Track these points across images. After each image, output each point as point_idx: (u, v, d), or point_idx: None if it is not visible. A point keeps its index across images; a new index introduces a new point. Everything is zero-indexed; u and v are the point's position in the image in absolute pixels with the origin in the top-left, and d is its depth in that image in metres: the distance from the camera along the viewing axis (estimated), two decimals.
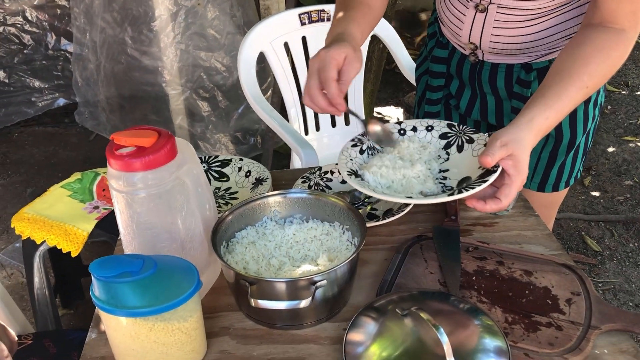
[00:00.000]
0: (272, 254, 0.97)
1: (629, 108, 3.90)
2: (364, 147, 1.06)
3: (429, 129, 1.09)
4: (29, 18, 2.91)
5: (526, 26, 1.13)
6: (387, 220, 1.10)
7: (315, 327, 0.91)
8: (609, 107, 3.92)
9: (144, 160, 0.80)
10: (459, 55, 1.28)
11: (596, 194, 3.00)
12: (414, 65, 1.91)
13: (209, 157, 1.31)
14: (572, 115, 1.22)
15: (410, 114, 2.99)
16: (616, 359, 0.83)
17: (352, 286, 0.96)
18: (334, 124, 2.11)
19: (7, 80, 2.95)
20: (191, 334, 0.82)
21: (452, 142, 1.06)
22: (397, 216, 1.10)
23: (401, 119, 3.55)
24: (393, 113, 3.79)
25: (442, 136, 1.07)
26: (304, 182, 1.25)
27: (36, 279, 1.67)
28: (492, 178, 0.89)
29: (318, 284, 0.84)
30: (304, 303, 0.82)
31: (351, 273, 0.92)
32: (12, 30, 2.92)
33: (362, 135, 1.07)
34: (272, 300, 0.84)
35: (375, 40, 2.23)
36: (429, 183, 0.98)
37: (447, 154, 1.05)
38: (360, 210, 1.14)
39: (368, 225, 1.07)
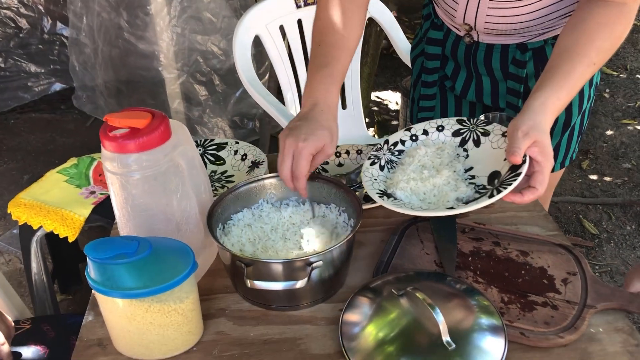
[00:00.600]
0: (269, 236, 0.97)
1: (627, 91, 3.89)
2: (382, 163, 1.03)
3: (440, 129, 1.06)
4: (25, 1, 2.88)
5: (521, 5, 1.12)
6: None
7: (311, 308, 0.91)
8: (607, 90, 3.91)
9: (137, 141, 0.79)
10: (454, 37, 1.27)
11: (594, 177, 3.01)
12: None
13: (205, 140, 1.30)
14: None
15: (407, 98, 2.98)
16: (611, 337, 0.83)
17: (348, 267, 0.96)
18: None
19: (2, 65, 2.93)
20: (187, 315, 0.82)
21: (467, 138, 1.03)
22: None
23: (399, 103, 3.54)
24: (391, 97, 3.77)
25: (455, 134, 1.04)
26: None
27: (34, 265, 1.66)
28: (525, 169, 0.87)
29: (314, 264, 0.84)
30: (300, 284, 0.82)
31: (347, 254, 0.92)
32: (8, 13, 2.89)
33: (377, 150, 1.05)
34: (268, 281, 0.84)
35: (372, 23, 2.22)
36: (461, 187, 0.95)
37: (465, 150, 1.02)
38: (357, 193, 1.14)
39: (364, 207, 1.07)
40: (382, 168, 1.02)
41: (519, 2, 1.11)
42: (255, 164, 1.22)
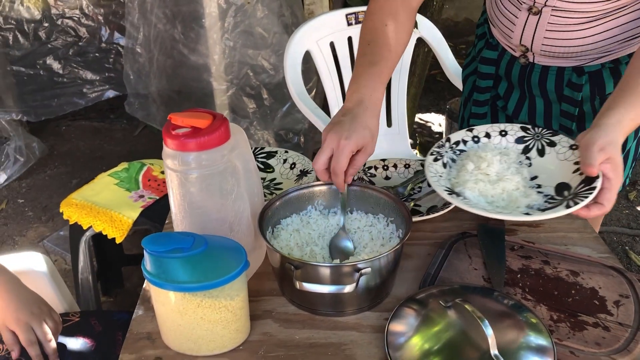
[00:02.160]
0: (316, 242, 0.98)
1: None
2: (445, 160, 1.01)
3: (503, 134, 1.04)
4: (86, 12, 3.01)
5: (581, 29, 1.11)
6: (432, 215, 1.10)
7: (357, 315, 0.91)
8: None
9: (198, 140, 0.82)
10: (509, 57, 1.27)
11: None
12: (459, 69, 1.90)
13: (256, 148, 1.33)
14: None
15: (453, 120, 2.97)
16: None
17: (395, 277, 0.96)
18: None
19: (61, 72, 3.05)
20: (237, 313, 0.83)
21: (530, 147, 1.02)
22: (441, 212, 1.10)
23: (442, 125, 3.52)
24: (434, 119, 3.77)
25: (519, 140, 1.03)
26: None
27: (81, 264, 1.71)
28: (599, 183, 0.86)
29: (362, 271, 0.84)
30: (348, 288, 0.82)
31: (395, 263, 0.92)
32: (70, 23, 3.02)
33: (439, 147, 1.03)
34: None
35: (420, 43, 2.23)
36: (532, 195, 0.93)
37: (528, 159, 1.01)
38: None
39: (412, 220, 1.08)
40: (444, 165, 1.00)
41: (578, 25, 1.11)
42: (303, 173, 1.23)
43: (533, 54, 1.20)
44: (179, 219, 0.89)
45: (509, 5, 1.19)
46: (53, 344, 1.04)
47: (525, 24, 1.16)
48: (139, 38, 2.50)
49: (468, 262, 1.01)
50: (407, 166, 1.29)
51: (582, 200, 0.84)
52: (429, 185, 1.22)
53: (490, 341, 0.76)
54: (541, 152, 1.00)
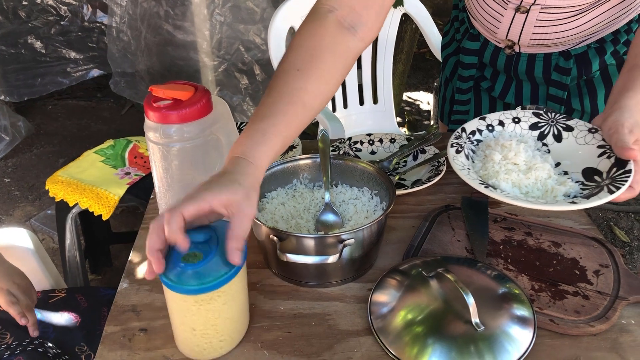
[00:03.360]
0: (301, 215, 0.98)
1: None
2: (466, 152, 0.96)
3: (516, 120, 1.00)
4: None
5: (570, 21, 1.10)
6: (416, 189, 1.11)
7: (341, 286, 0.92)
8: None
9: (180, 112, 0.81)
10: (493, 47, 1.24)
11: None
12: None
13: (241, 123, 1.32)
14: None
15: (439, 98, 2.98)
16: None
17: (378, 249, 0.97)
18: (361, 102, 2.11)
19: (43, 51, 3.02)
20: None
21: (546, 132, 0.99)
22: (425, 185, 1.11)
23: (431, 103, 3.52)
24: (423, 98, 3.76)
25: (533, 127, 1.00)
26: (333, 150, 1.26)
27: (68, 241, 1.71)
28: (632, 165, 0.84)
29: (346, 242, 0.85)
30: (332, 259, 0.83)
31: (378, 235, 0.93)
32: (50, 1, 2.98)
33: (456, 138, 0.97)
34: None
35: (407, 20, 2.22)
36: (567, 183, 0.89)
37: (545, 145, 0.98)
38: None
39: (397, 193, 1.08)
40: (467, 157, 0.95)
41: (566, 19, 1.09)
42: (289, 147, 1.23)
43: (519, 46, 1.19)
44: (162, 192, 0.89)
45: (492, 4, 1.16)
46: (34, 315, 1.04)
47: (511, 22, 1.14)
48: (123, 16, 2.47)
49: (451, 234, 1.01)
50: (392, 141, 1.30)
51: (623, 185, 0.81)
52: (414, 159, 1.23)
53: (471, 310, 0.78)
54: (558, 138, 0.97)
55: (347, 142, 1.29)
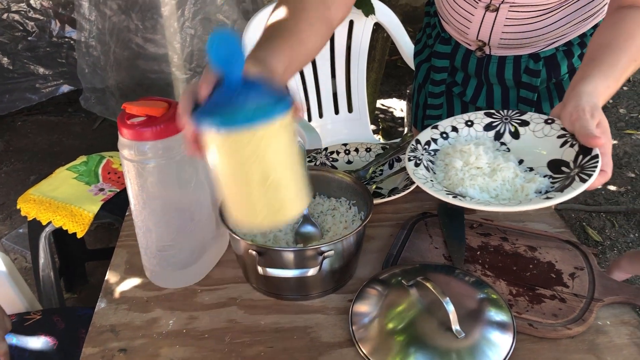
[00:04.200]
0: (279, 227, 0.98)
1: (630, 102, 3.91)
2: (425, 164, 0.92)
3: (469, 124, 0.98)
4: (33, 5, 2.92)
5: (538, 20, 1.12)
6: (393, 197, 1.11)
7: (321, 298, 0.92)
8: (610, 101, 3.92)
9: (154, 129, 0.80)
10: (464, 50, 1.26)
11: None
12: None
13: None
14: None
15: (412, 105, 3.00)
16: (618, 329, 0.84)
17: (358, 259, 0.97)
18: (337, 111, 2.12)
19: (11, 67, 2.96)
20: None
21: (501, 131, 0.96)
22: (402, 194, 1.11)
23: (404, 110, 3.55)
24: (396, 105, 3.79)
25: (487, 128, 0.97)
26: (310, 161, 1.26)
27: (42, 260, 1.68)
28: (597, 150, 0.82)
29: (325, 254, 0.85)
30: (312, 271, 0.83)
31: (357, 245, 0.93)
32: (16, 17, 2.93)
33: (412, 150, 0.93)
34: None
35: (379, 28, 2.24)
36: (537, 178, 0.86)
37: (503, 144, 0.95)
38: None
39: (374, 202, 1.09)
40: (427, 170, 0.91)
41: (536, 17, 1.11)
42: None
43: (490, 47, 1.21)
44: (138, 210, 0.87)
45: (463, 4, 1.17)
46: (4, 344, 1.01)
47: (482, 21, 1.16)
48: (92, 31, 2.44)
49: (429, 242, 1.02)
50: (368, 150, 1.30)
51: (594, 170, 0.79)
52: (390, 168, 1.24)
53: (451, 317, 0.78)
54: (515, 135, 0.95)
55: (324, 152, 1.29)
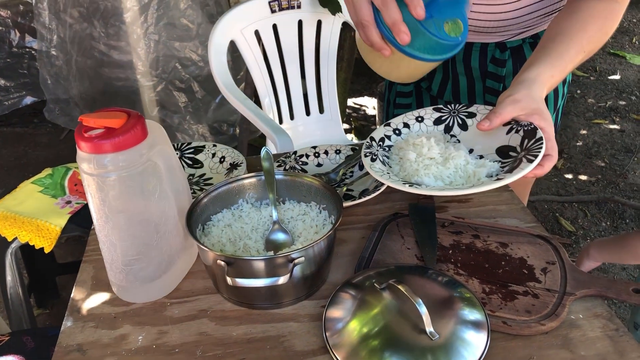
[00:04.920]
0: (249, 235, 0.96)
1: (598, 92, 3.98)
2: (381, 159, 0.97)
3: (419, 119, 1.03)
4: None
5: (505, 3, 1.13)
6: (364, 199, 1.10)
7: (294, 305, 0.90)
8: (578, 91, 3.98)
9: (113, 141, 0.78)
10: None
11: (569, 176, 3.06)
12: None
13: (182, 144, 1.29)
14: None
15: (383, 101, 3.00)
16: (591, 322, 0.84)
17: (330, 264, 0.96)
18: (308, 112, 2.11)
19: None
20: None
21: (450, 124, 1.01)
22: (373, 195, 1.10)
23: (376, 108, 3.56)
24: (368, 103, 3.80)
25: (437, 122, 1.02)
26: (279, 165, 1.24)
27: (9, 278, 1.63)
28: (540, 133, 0.87)
29: (296, 261, 0.83)
30: (282, 280, 0.81)
31: (329, 250, 0.92)
32: None
33: (368, 147, 0.99)
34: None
35: (346, 28, 2.23)
36: (486, 164, 0.91)
37: (453, 136, 1.00)
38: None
39: (345, 205, 1.08)
40: (384, 164, 0.97)
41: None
42: (233, 166, 1.21)
43: None
44: (100, 224, 0.85)
45: None
46: None
47: None
48: (53, 40, 2.38)
49: (401, 242, 1.01)
50: (337, 152, 1.29)
51: (539, 151, 0.84)
52: (360, 169, 1.23)
53: (424, 319, 0.77)
54: (463, 127, 1.00)
55: (293, 156, 1.28)
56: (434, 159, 0.93)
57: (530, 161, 0.84)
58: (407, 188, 0.86)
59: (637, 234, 1.18)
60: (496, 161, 0.92)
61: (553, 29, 1.02)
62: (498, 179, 0.84)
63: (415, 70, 0.94)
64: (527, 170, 0.82)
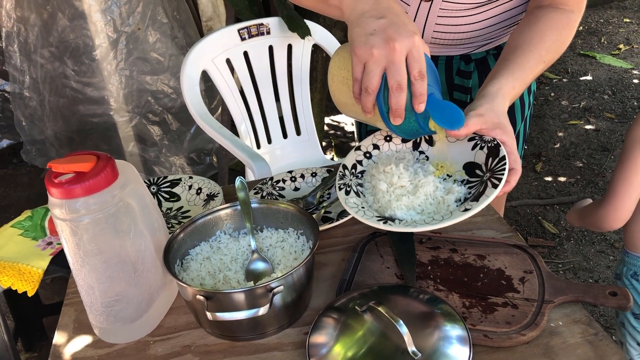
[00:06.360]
0: (229, 267, 0.97)
1: (571, 93, 4.04)
2: (355, 189, 0.96)
3: (388, 139, 1.02)
4: None
5: (470, 15, 1.15)
6: (342, 220, 1.11)
7: (277, 334, 0.90)
8: (552, 94, 4.04)
9: (84, 185, 0.78)
10: None
11: (549, 178, 3.09)
12: None
13: (158, 178, 1.29)
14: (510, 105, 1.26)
15: None
16: (571, 329, 0.85)
17: (311, 289, 0.96)
18: (285, 136, 2.12)
19: None
20: None
21: (418, 141, 1.01)
22: (350, 216, 1.11)
23: (354, 124, 3.58)
24: (346, 119, 3.82)
25: (405, 140, 1.02)
26: (256, 193, 1.25)
27: None
28: (503, 150, 0.88)
29: (275, 290, 0.84)
30: (262, 310, 0.81)
31: (308, 276, 0.92)
32: None
33: (341, 178, 0.98)
34: (231, 312, 0.83)
35: (318, 49, 2.26)
36: (454, 188, 0.92)
37: (422, 152, 1.00)
38: (314, 215, 1.15)
39: (323, 228, 1.08)
40: (358, 195, 0.96)
41: (468, 11, 1.15)
42: (210, 197, 1.21)
43: None
44: (77, 268, 0.85)
45: None
46: None
47: (417, 12, 1.18)
48: (26, 81, 2.38)
49: (380, 262, 1.02)
50: (314, 175, 1.30)
51: (502, 174, 0.85)
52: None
53: (406, 339, 0.78)
54: (430, 142, 1.00)
55: (270, 182, 1.29)
56: (405, 187, 0.93)
57: (495, 186, 0.85)
58: (381, 225, 0.87)
59: (595, 206, 1.35)
60: (463, 180, 0.94)
61: (513, 41, 1.05)
62: (466, 210, 0.85)
63: (382, 127, 0.96)
64: (491, 198, 0.84)
